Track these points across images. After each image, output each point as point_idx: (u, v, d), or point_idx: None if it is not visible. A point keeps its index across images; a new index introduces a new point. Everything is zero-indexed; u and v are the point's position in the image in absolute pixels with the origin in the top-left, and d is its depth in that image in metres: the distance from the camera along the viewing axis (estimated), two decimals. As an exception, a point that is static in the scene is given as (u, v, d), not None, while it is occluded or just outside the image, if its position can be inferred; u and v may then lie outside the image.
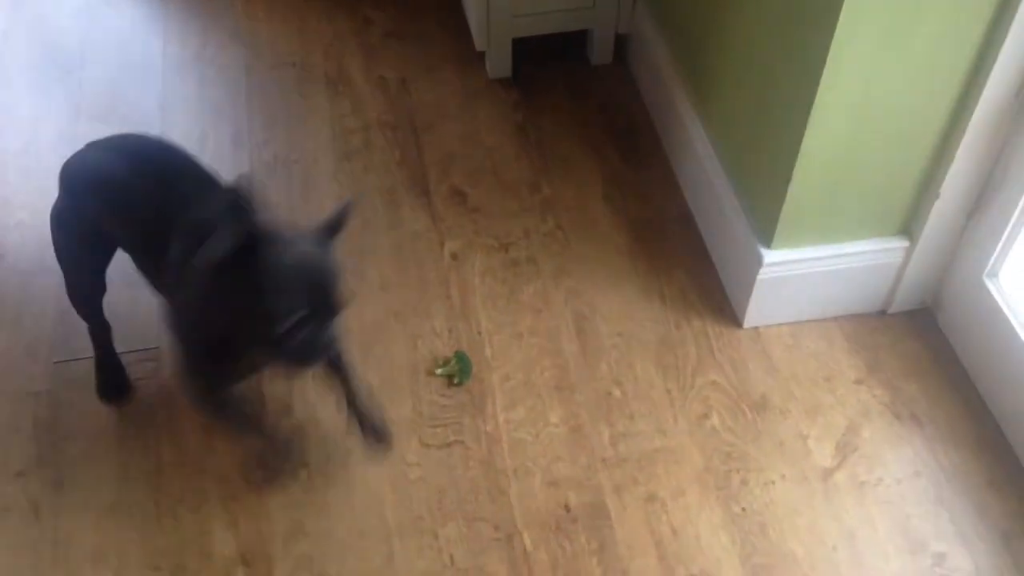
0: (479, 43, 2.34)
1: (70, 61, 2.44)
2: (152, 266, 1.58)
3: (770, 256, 1.80)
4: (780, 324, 1.91)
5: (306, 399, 1.81)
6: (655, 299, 1.96)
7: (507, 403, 1.81)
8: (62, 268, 1.70)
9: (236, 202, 1.36)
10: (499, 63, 2.36)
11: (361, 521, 1.66)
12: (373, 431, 1.69)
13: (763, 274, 1.82)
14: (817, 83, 1.52)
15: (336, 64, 2.43)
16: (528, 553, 1.63)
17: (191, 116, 2.31)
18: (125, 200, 1.58)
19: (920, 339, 1.89)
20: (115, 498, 1.68)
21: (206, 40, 2.49)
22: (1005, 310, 1.72)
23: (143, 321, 1.87)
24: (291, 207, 2.11)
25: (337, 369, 1.64)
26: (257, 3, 2.59)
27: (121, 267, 1.65)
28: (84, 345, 1.82)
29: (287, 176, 2.18)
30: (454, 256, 2.03)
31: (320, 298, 1.36)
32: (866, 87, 1.54)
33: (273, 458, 1.71)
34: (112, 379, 1.80)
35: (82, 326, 1.79)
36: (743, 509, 1.68)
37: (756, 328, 1.91)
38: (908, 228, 1.81)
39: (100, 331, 1.78)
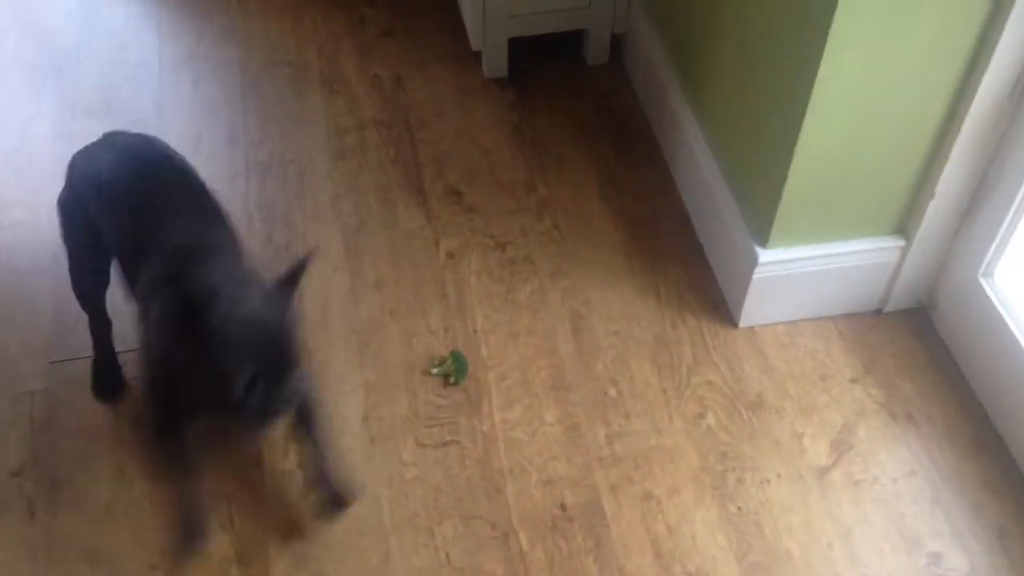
0: (475, 42, 2.34)
1: (64, 59, 2.43)
2: (127, 279, 1.57)
3: (766, 255, 1.80)
4: (776, 323, 1.92)
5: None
6: (651, 298, 1.97)
7: (503, 402, 1.81)
8: (67, 256, 1.70)
9: (181, 262, 1.37)
10: (495, 62, 2.36)
11: (358, 520, 1.66)
12: (333, 494, 1.62)
13: (759, 273, 1.82)
14: (813, 82, 1.52)
15: (331, 63, 2.43)
16: (524, 552, 1.63)
17: (186, 114, 2.31)
18: (112, 205, 1.58)
19: (916, 338, 1.90)
20: (111, 497, 1.68)
21: (200, 38, 2.49)
22: (1000, 309, 1.72)
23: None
24: (287, 206, 2.11)
25: (307, 424, 1.60)
26: (251, 1, 2.58)
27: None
28: (80, 344, 1.82)
29: (282, 175, 2.18)
30: (450, 255, 2.03)
31: (272, 357, 1.33)
32: (862, 86, 1.54)
33: (184, 534, 1.60)
34: (107, 377, 1.80)
35: (79, 325, 1.78)
36: (739, 508, 1.68)
37: (752, 327, 1.92)
38: (903, 227, 1.81)
39: (100, 326, 1.78)
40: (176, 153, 1.67)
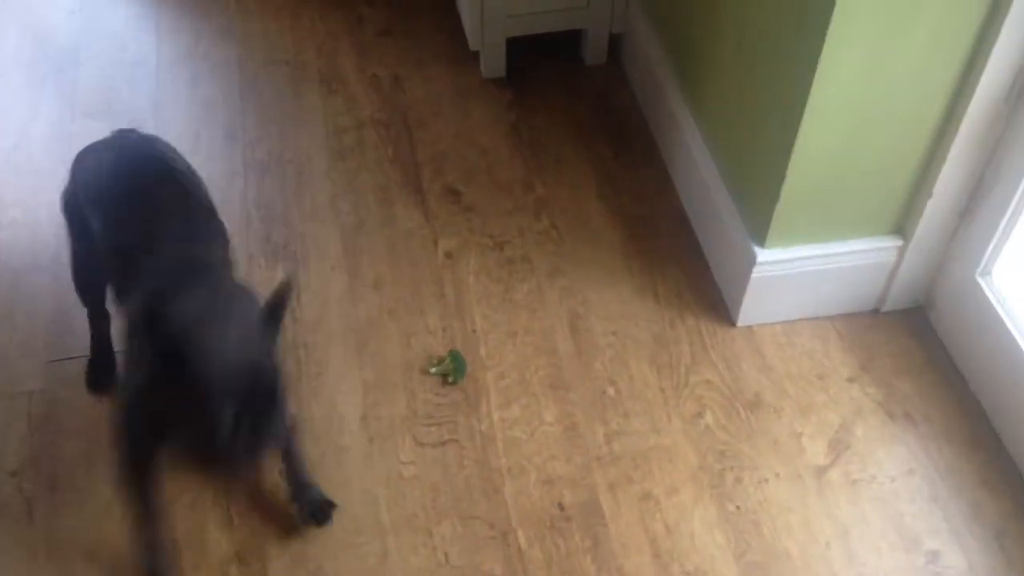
0: (473, 42, 2.34)
1: (63, 58, 2.43)
2: (114, 289, 1.56)
3: (764, 255, 1.80)
4: (774, 323, 1.92)
5: (300, 396, 1.81)
6: (649, 298, 1.97)
7: (502, 402, 1.81)
8: (69, 249, 1.70)
9: (164, 295, 1.36)
10: (493, 62, 2.36)
11: (356, 519, 1.66)
12: (312, 508, 1.64)
13: (757, 272, 1.82)
14: (811, 83, 1.53)
15: (329, 62, 2.43)
16: (523, 551, 1.63)
17: (184, 114, 2.31)
18: (102, 209, 1.57)
19: (913, 338, 1.90)
20: (109, 497, 1.68)
21: (199, 37, 2.49)
22: (998, 309, 1.72)
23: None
24: (285, 205, 2.11)
25: (283, 447, 1.60)
26: (250, 0, 2.58)
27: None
28: (78, 344, 1.82)
29: (280, 174, 2.18)
30: (448, 255, 2.03)
31: (255, 397, 1.31)
32: (860, 87, 1.55)
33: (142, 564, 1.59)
34: (102, 370, 1.80)
35: (77, 325, 1.78)
36: (737, 507, 1.68)
37: (750, 326, 1.92)
38: (901, 227, 1.82)
39: (98, 319, 1.77)
40: (179, 158, 1.66)
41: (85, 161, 1.65)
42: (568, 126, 2.28)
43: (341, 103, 2.33)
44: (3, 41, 2.48)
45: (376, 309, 1.94)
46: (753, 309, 1.89)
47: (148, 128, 2.23)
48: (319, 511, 1.65)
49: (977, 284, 1.76)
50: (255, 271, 1.99)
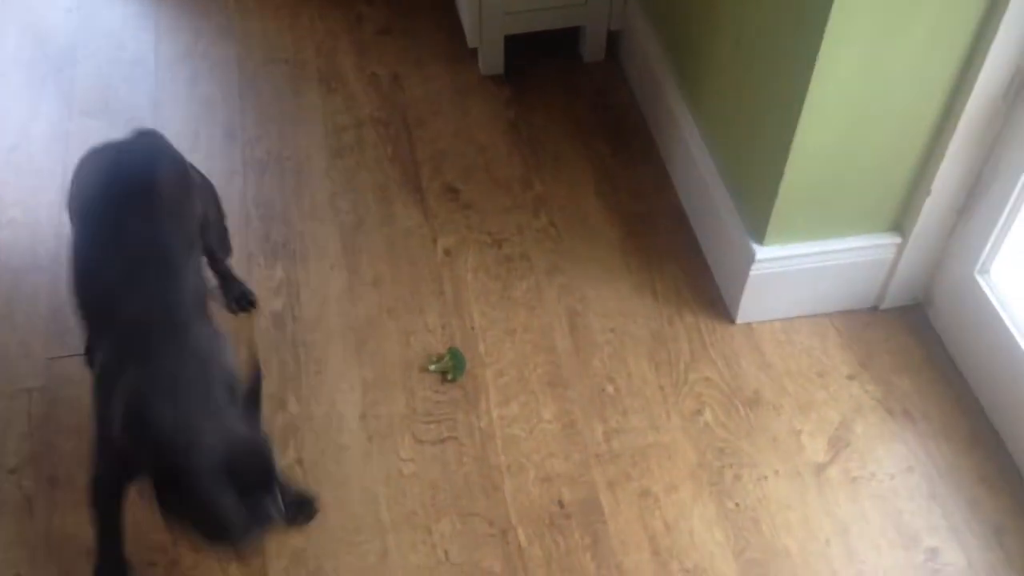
0: (471, 40, 2.34)
1: (61, 58, 2.43)
2: (82, 318, 1.55)
3: (762, 252, 1.80)
4: (773, 320, 1.92)
5: (300, 395, 1.81)
6: (648, 295, 1.97)
7: (501, 399, 1.81)
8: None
9: (135, 416, 1.36)
10: (491, 60, 2.37)
11: (355, 517, 1.66)
12: (303, 510, 1.62)
13: (755, 270, 1.82)
14: (809, 80, 1.53)
15: (329, 61, 2.43)
16: (522, 549, 1.63)
17: (183, 112, 2.31)
18: (79, 235, 1.57)
19: (912, 335, 1.90)
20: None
21: (198, 36, 2.49)
22: (996, 306, 1.73)
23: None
24: (284, 204, 2.11)
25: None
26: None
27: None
28: (77, 342, 1.82)
29: (280, 173, 2.18)
30: (447, 252, 2.03)
31: (251, 482, 1.35)
32: (859, 82, 1.55)
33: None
34: None
35: (75, 322, 1.78)
36: (736, 504, 1.68)
37: (749, 324, 1.92)
38: (900, 224, 1.82)
39: None
40: (177, 175, 1.62)
41: (83, 166, 1.64)
42: (566, 123, 2.29)
43: (340, 102, 2.33)
44: (3, 41, 2.48)
45: (375, 307, 1.94)
46: (752, 306, 1.89)
47: (147, 126, 2.24)
48: (308, 512, 1.63)
49: (976, 281, 1.77)
50: (254, 269, 2.00)
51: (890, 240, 1.82)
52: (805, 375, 1.85)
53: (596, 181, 2.17)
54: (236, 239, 2.01)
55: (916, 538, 1.65)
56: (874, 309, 1.94)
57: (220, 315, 1.92)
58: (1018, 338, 1.69)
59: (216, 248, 1.82)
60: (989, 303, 1.74)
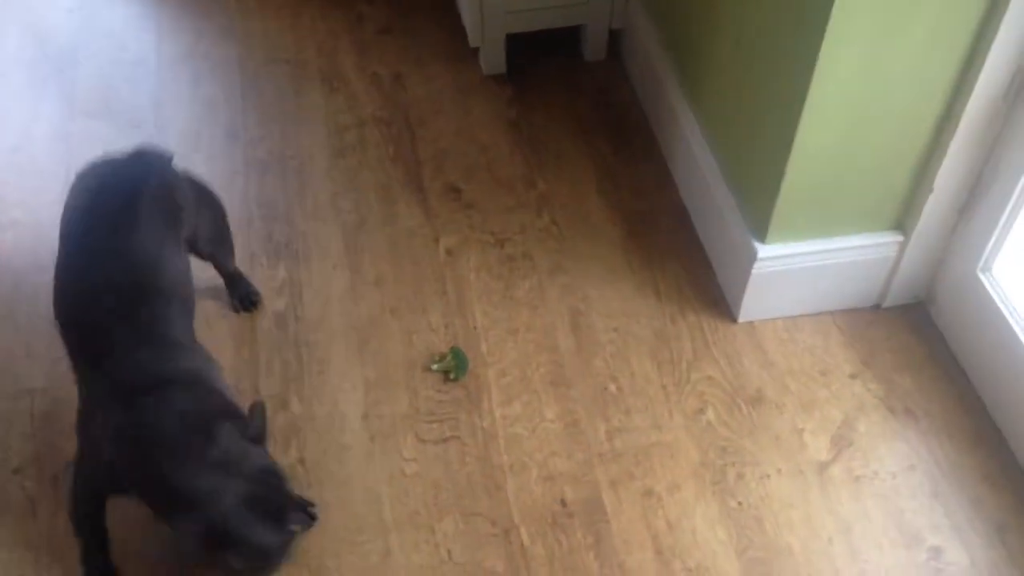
0: (473, 39, 2.34)
1: (63, 58, 2.43)
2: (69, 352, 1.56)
3: (764, 250, 1.80)
4: (775, 318, 1.92)
5: (302, 395, 1.81)
6: (650, 294, 1.97)
7: (503, 399, 1.81)
8: None
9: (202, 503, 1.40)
10: (493, 59, 2.37)
11: (358, 517, 1.66)
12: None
13: (757, 268, 1.82)
14: (810, 78, 1.52)
15: (330, 60, 2.43)
16: (525, 548, 1.63)
17: (185, 113, 2.31)
18: (64, 244, 1.57)
19: (914, 333, 1.90)
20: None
21: (199, 37, 2.49)
22: (999, 304, 1.72)
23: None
24: (287, 203, 2.12)
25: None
26: (250, 0, 2.58)
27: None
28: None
29: (282, 172, 2.18)
30: (449, 252, 2.03)
31: (274, 509, 1.44)
32: (860, 82, 1.55)
33: None
34: None
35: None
36: (739, 503, 1.68)
37: (751, 322, 1.92)
38: (902, 223, 1.82)
39: None
40: (160, 192, 1.61)
41: (76, 185, 1.64)
42: (568, 122, 2.29)
43: (342, 101, 2.33)
44: (3, 41, 2.48)
45: (378, 307, 1.94)
46: (754, 305, 1.89)
47: (149, 128, 2.26)
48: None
49: (978, 279, 1.76)
50: (257, 270, 2.00)
51: (892, 239, 1.82)
52: (807, 374, 1.85)
53: (598, 180, 2.17)
54: (238, 239, 2.01)
55: (919, 537, 1.65)
56: (876, 307, 1.94)
57: (222, 315, 1.92)
58: (1020, 336, 1.69)
59: (218, 254, 1.83)
60: (991, 301, 1.74)
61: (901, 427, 1.78)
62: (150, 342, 1.48)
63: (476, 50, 2.38)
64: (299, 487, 1.69)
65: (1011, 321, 1.70)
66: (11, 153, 2.23)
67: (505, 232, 2.07)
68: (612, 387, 1.83)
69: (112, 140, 2.22)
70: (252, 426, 1.48)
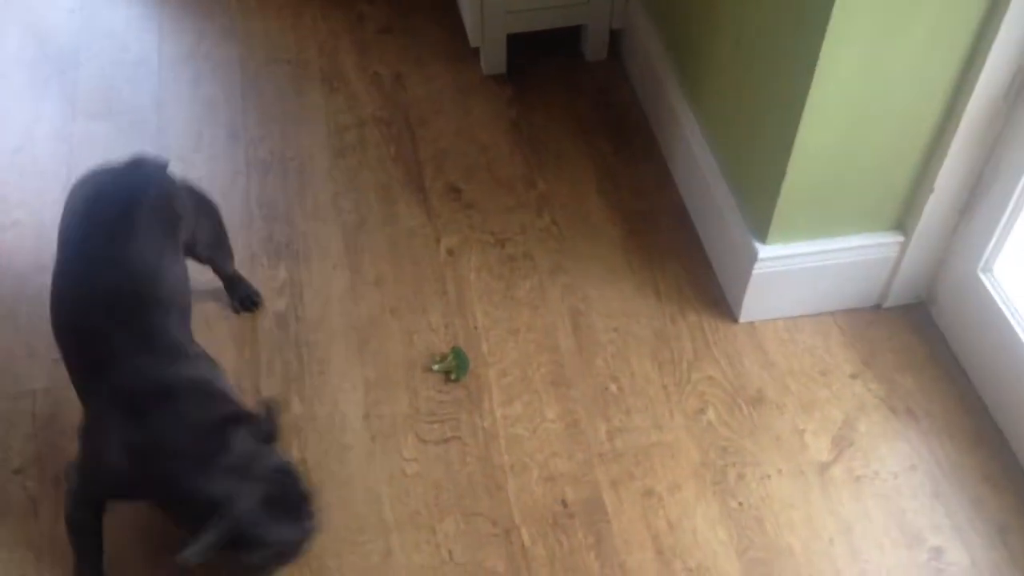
0: (473, 39, 2.34)
1: (64, 59, 2.43)
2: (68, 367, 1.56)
3: (765, 251, 1.80)
4: (775, 319, 1.92)
5: (303, 395, 1.81)
6: (650, 294, 1.97)
7: (504, 399, 1.81)
8: None
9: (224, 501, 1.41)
10: (493, 59, 2.37)
11: (359, 517, 1.66)
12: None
13: (758, 268, 1.82)
14: (811, 78, 1.52)
15: (331, 60, 2.43)
16: (526, 548, 1.64)
17: (186, 113, 2.31)
18: (62, 254, 1.57)
19: (915, 333, 1.90)
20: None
21: (201, 37, 2.49)
22: (1000, 304, 1.72)
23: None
24: (287, 204, 2.12)
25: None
26: (251, 0, 2.58)
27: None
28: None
29: (283, 172, 2.18)
30: (450, 252, 2.03)
31: (291, 506, 1.47)
32: (860, 82, 1.55)
33: None
34: None
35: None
36: (740, 503, 1.68)
37: (752, 322, 1.92)
38: (902, 223, 1.82)
39: None
40: (157, 202, 1.61)
41: (74, 194, 1.64)
42: (568, 122, 2.29)
43: (343, 101, 2.33)
44: (4, 41, 2.49)
45: (378, 307, 1.94)
46: (755, 305, 1.89)
47: (150, 128, 2.26)
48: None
49: (979, 280, 1.76)
50: (257, 270, 2.00)
51: (893, 239, 1.82)
52: (808, 374, 1.85)
53: (598, 180, 2.17)
54: (239, 239, 2.02)
55: (919, 537, 1.65)
56: (877, 308, 1.94)
57: (223, 316, 1.92)
58: (1021, 336, 1.68)
59: (216, 258, 1.83)
60: (992, 301, 1.74)
61: (902, 427, 1.78)
62: (152, 348, 1.49)
63: (476, 50, 2.38)
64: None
65: (1012, 321, 1.70)
66: (13, 154, 2.23)
67: (505, 232, 2.07)
68: (613, 387, 1.83)
69: (114, 140, 2.24)
70: (263, 426, 1.48)
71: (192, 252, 1.71)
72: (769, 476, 1.72)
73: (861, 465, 1.73)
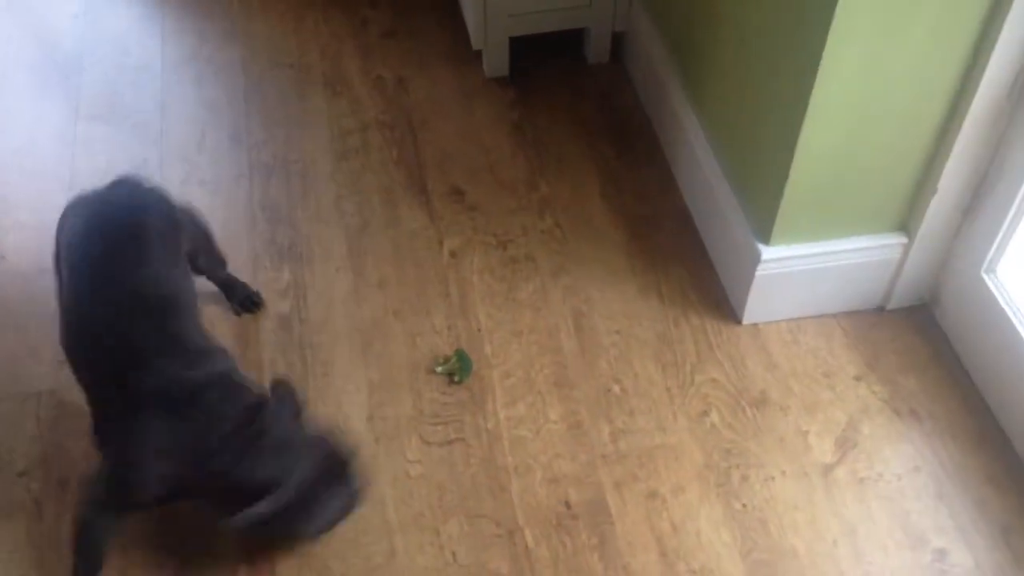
0: (476, 42, 2.35)
1: (68, 63, 2.44)
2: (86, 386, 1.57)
3: (768, 252, 1.80)
4: (779, 320, 1.92)
5: (307, 396, 1.81)
6: (653, 296, 1.97)
7: (507, 400, 1.81)
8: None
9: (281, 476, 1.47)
10: (496, 62, 2.37)
11: (362, 518, 1.66)
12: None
13: (761, 270, 1.82)
14: (813, 79, 1.53)
15: (333, 64, 2.43)
16: (530, 550, 1.63)
17: (189, 116, 2.31)
18: (77, 278, 1.57)
19: (918, 335, 1.90)
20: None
21: (203, 40, 2.49)
22: (1003, 305, 1.72)
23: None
24: (290, 207, 2.12)
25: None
26: (253, 3, 2.59)
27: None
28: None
29: (285, 176, 2.18)
30: (453, 254, 2.04)
31: (339, 473, 1.55)
32: (863, 83, 1.55)
33: None
34: None
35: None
36: (743, 505, 1.68)
37: (755, 324, 1.92)
38: (905, 224, 1.82)
39: None
40: (162, 214, 1.64)
41: (68, 218, 1.64)
42: (571, 125, 2.29)
43: (345, 105, 2.34)
44: (9, 45, 2.49)
45: (381, 309, 1.95)
46: (758, 307, 1.89)
47: (154, 131, 2.26)
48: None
49: (982, 281, 1.77)
50: (261, 272, 2.00)
51: (896, 240, 1.82)
52: (811, 376, 1.85)
53: (601, 183, 2.17)
54: (242, 242, 2.02)
55: (923, 538, 1.65)
56: (880, 309, 1.94)
57: (225, 318, 1.93)
58: (1024, 337, 1.69)
59: (212, 266, 1.85)
60: (996, 302, 1.74)
61: (906, 429, 1.78)
62: (178, 351, 1.51)
63: (479, 53, 2.38)
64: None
65: (1015, 322, 1.70)
66: (16, 156, 2.23)
67: (508, 234, 2.07)
68: (616, 389, 1.83)
69: (116, 143, 2.24)
70: (288, 404, 1.53)
71: (193, 263, 1.72)
72: (773, 478, 1.72)
73: (865, 467, 1.73)
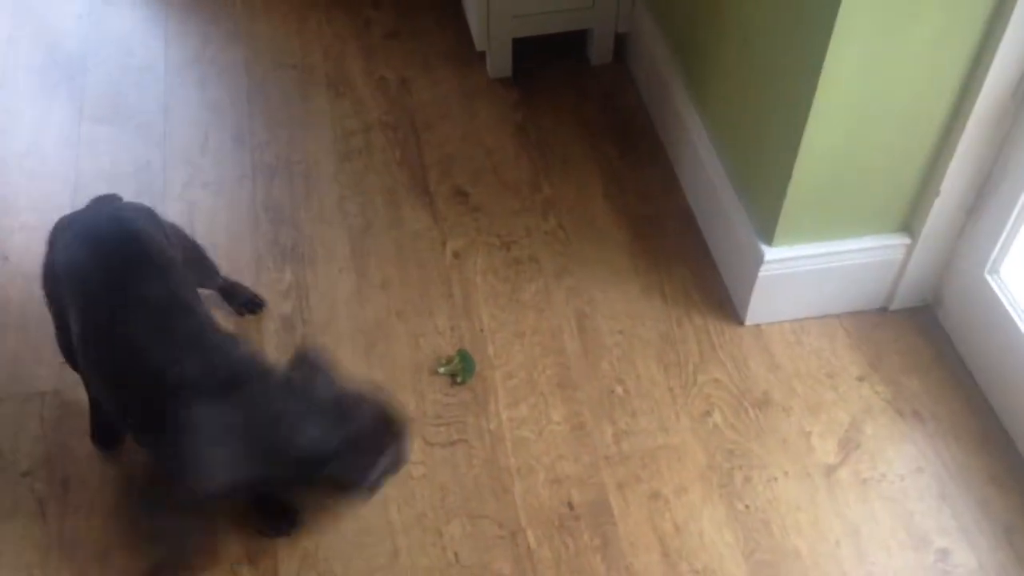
0: (479, 43, 2.35)
1: (72, 64, 2.44)
2: (114, 400, 1.57)
3: (771, 253, 1.80)
4: (782, 321, 1.92)
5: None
6: (656, 297, 1.97)
7: (510, 401, 1.81)
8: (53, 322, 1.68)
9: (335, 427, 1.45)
10: (499, 63, 2.37)
11: (365, 519, 1.66)
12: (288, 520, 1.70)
13: (764, 271, 1.82)
14: (817, 79, 1.53)
15: (337, 65, 2.43)
16: (532, 551, 1.63)
17: (192, 117, 2.32)
18: (85, 301, 1.57)
19: (922, 336, 1.90)
20: (121, 497, 1.69)
21: (206, 41, 2.50)
22: (1007, 306, 1.72)
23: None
24: (293, 207, 2.12)
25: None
26: (256, 4, 2.59)
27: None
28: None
29: (288, 177, 2.18)
30: (456, 255, 2.04)
31: (387, 434, 1.50)
32: (866, 84, 1.55)
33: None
34: (107, 429, 1.76)
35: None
36: (746, 506, 1.68)
37: (758, 325, 1.92)
38: (909, 225, 1.82)
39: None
40: (152, 227, 1.64)
41: (61, 238, 1.63)
42: (574, 126, 2.29)
43: (348, 106, 2.34)
44: (14, 48, 2.50)
45: (384, 310, 1.95)
46: (761, 308, 1.89)
47: (157, 132, 2.27)
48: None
49: (985, 282, 1.76)
50: (263, 273, 2.00)
51: (899, 241, 1.82)
52: (814, 376, 1.84)
53: (604, 183, 2.17)
54: (245, 243, 2.03)
55: (926, 539, 1.64)
56: (883, 310, 1.94)
57: (228, 319, 1.93)
58: (1028, 338, 1.69)
59: (206, 275, 1.85)
60: (999, 303, 1.74)
61: (908, 429, 1.77)
62: (208, 343, 1.52)
63: (482, 54, 2.39)
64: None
65: (1019, 323, 1.70)
66: (21, 157, 2.24)
67: (511, 235, 2.07)
68: (619, 389, 1.83)
69: (120, 144, 2.25)
70: (322, 367, 1.51)
71: (191, 269, 1.72)
72: (775, 478, 1.71)
73: (868, 467, 1.73)
